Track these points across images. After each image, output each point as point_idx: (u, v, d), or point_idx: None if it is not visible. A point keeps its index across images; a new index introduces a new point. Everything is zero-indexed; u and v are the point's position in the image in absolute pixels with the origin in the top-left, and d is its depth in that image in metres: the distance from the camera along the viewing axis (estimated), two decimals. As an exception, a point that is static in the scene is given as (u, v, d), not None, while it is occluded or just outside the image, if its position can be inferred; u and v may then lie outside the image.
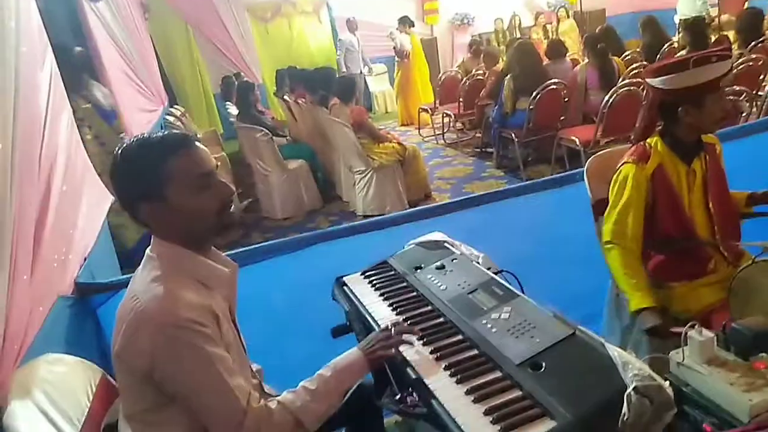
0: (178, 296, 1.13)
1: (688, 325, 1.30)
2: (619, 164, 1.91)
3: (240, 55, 8.43)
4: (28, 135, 1.71)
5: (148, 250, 1.23)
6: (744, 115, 3.37)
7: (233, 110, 5.84)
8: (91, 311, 1.83)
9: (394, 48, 8.13)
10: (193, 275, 1.21)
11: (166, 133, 1.24)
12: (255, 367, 1.48)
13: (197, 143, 1.22)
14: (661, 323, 1.69)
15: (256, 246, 2.12)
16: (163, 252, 1.21)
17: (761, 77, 3.75)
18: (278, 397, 1.23)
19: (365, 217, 4.64)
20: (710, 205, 1.87)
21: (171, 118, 5.91)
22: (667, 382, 1.12)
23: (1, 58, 1.60)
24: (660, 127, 1.90)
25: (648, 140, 1.91)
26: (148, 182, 1.16)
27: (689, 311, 1.81)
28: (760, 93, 3.51)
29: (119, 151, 1.18)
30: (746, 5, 7.70)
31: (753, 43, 4.55)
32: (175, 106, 7.10)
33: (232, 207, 1.28)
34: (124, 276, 1.44)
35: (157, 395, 1.15)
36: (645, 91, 4.27)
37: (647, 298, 1.74)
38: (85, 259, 1.96)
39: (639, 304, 1.74)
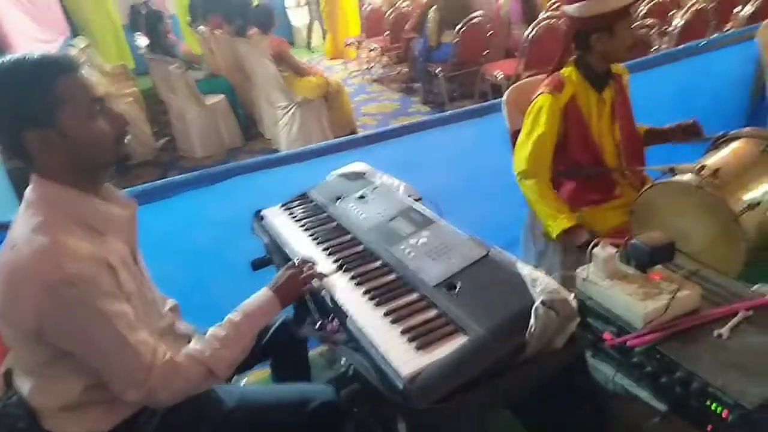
0: (63, 247, 1.00)
1: (593, 242, 1.37)
2: (535, 95, 1.94)
3: (147, -19, 7.73)
4: None
5: (27, 192, 1.09)
6: (654, 49, 3.50)
7: (142, 41, 5.39)
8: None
9: None
10: (82, 219, 1.08)
11: (42, 54, 1.08)
12: (171, 302, 1.42)
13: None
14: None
15: (171, 179, 2.01)
16: (45, 194, 1.07)
17: (671, 13, 3.90)
18: (185, 349, 1.16)
19: (290, 154, 4.53)
20: (616, 132, 1.96)
21: (74, 51, 5.39)
22: (573, 296, 1.18)
23: None
24: (575, 57, 1.94)
25: (563, 71, 1.95)
26: (36, 106, 1.02)
27: (597, 233, 1.92)
28: (669, 29, 3.65)
29: None
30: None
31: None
32: (78, 38, 6.47)
33: (127, 139, 1.16)
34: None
35: (51, 350, 1.05)
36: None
37: (572, 218, 1.82)
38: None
39: (566, 224, 1.81)
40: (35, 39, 4.32)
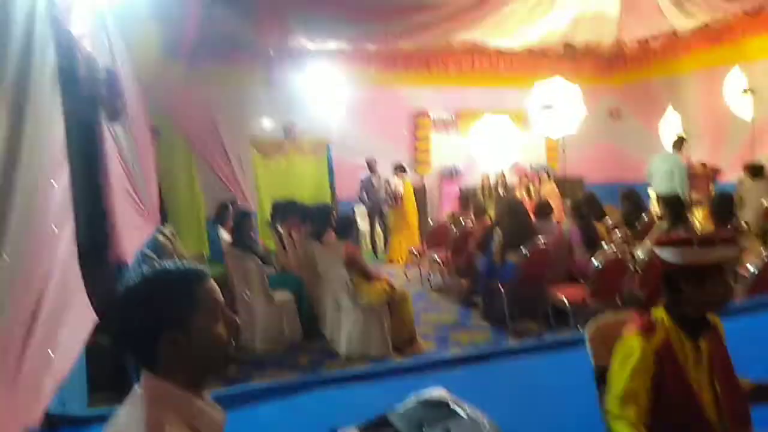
0: None
1: None
2: (625, 334, 1.90)
3: (238, 184, 8.71)
4: (31, 250, 1.67)
5: (137, 387, 1.15)
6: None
7: (225, 236, 5.86)
8: (55, 449, 1.65)
9: (389, 190, 8.59)
10: (186, 418, 1.12)
11: (180, 264, 1.22)
12: None
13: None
14: None
15: (242, 389, 2.00)
16: (155, 391, 1.12)
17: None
18: None
19: (347, 357, 4.47)
20: (716, 384, 1.84)
21: (161, 237, 5.89)
22: None
23: (28, 164, 1.61)
24: (666, 300, 1.93)
25: (653, 312, 1.92)
26: (177, 311, 1.13)
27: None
28: (743, 274, 3.65)
29: (140, 282, 1.15)
30: (712, 187, 8.39)
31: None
32: (166, 225, 7.12)
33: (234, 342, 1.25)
34: (99, 410, 1.31)
35: None
36: (632, 257, 4.43)
37: None
38: (58, 386, 1.81)
39: None
40: (135, 227, 4.77)
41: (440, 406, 1.74)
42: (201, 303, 1.15)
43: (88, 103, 3.52)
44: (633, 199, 6.14)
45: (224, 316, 1.20)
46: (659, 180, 7.26)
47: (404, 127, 10.22)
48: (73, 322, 2.13)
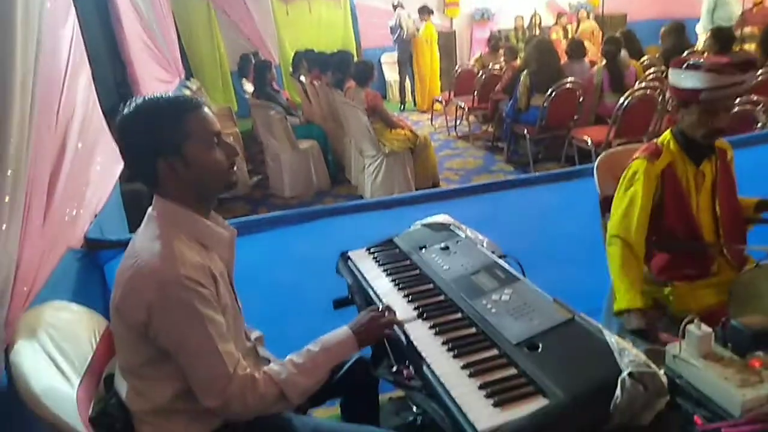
0: (177, 254, 1.15)
1: (687, 319, 1.31)
2: (631, 160, 1.92)
3: (259, 35, 8.46)
4: (47, 91, 1.72)
5: (149, 209, 1.25)
6: (759, 125, 3.36)
7: (248, 87, 5.85)
8: (98, 266, 1.86)
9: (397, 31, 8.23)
10: (193, 235, 1.23)
11: (174, 94, 1.26)
12: (256, 333, 1.51)
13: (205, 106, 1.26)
14: (645, 327, 1.69)
15: (263, 216, 2.15)
16: (164, 211, 1.23)
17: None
18: (264, 368, 1.24)
19: (372, 202, 4.66)
20: (717, 208, 1.88)
21: (187, 92, 5.92)
22: (662, 371, 1.13)
23: (25, 12, 1.60)
24: (672, 126, 1.91)
25: (660, 138, 1.92)
26: (168, 138, 1.18)
27: (689, 310, 1.82)
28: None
29: (132, 109, 1.19)
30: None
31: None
32: (192, 80, 7.11)
33: (236, 167, 1.32)
34: (132, 234, 1.46)
35: (153, 350, 1.16)
36: (661, 96, 4.26)
37: (637, 299, 1.73)
38: (95, 216, 1.99)
39: (628, 304, 1.72)
40: (158, 79, 4.80)
41: (441, 228, 1.85)
42: (191, 130, 1.19)
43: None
44: (676, 35, 5.70)
45: (222, 143, 1.25)
46: (707, 14, 6.65)
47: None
48: (102, 163, 2.27)
